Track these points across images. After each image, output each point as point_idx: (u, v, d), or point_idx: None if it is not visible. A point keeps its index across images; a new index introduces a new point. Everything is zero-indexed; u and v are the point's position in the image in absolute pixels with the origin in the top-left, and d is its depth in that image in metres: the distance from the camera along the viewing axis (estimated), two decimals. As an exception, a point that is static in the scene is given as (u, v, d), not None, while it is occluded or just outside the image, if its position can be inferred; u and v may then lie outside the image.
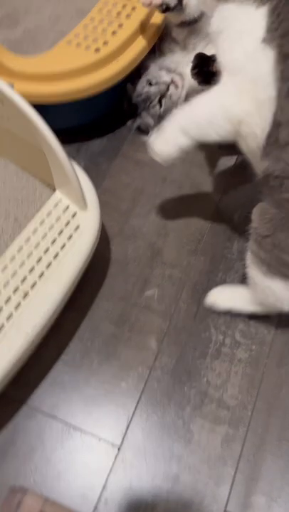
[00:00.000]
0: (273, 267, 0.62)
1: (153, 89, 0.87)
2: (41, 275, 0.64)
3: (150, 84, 0.87)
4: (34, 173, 0.78)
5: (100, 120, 0.95)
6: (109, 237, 0.84)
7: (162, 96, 0.87)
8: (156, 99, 0.87)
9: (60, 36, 0.93)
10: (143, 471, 0.64)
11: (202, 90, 0.84)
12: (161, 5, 0.78)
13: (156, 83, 0.87)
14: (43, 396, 0.68)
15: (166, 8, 0.79)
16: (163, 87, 0.86)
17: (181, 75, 0.89)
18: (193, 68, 0.78)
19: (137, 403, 0.69)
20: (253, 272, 0.66)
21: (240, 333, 0.75)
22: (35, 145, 0.68)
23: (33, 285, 0.63)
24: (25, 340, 0.59)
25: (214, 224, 0.86)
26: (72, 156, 0.93)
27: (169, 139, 0.68)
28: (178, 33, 0.87)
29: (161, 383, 0.70)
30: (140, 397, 0.69)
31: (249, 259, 0.66)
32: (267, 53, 0.56)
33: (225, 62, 0.61)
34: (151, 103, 0.88)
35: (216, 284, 0.79)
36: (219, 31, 0.60)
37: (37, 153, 0.70)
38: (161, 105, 0.87)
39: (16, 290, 0.62)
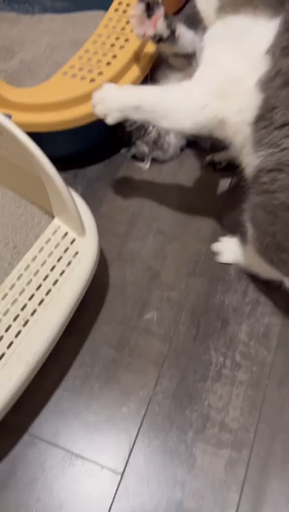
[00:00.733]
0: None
1: None
2: (41, 302, 0.64)
3: None
4: (32, 200, 0.79)
5: (95, 147, 0.97)
6: (108, 261, 0.85)
7: None
8: (151, 127, 0.89)
9: (56, 67, 0.96)
10: (146, 498, 0.63)
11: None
12: (154, 36, 0.81)
13: None
14: (44, 423, 0.68)
15: (159, 39, 0.82)
16: None
17: None
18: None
19: (139, 428, 0.68)
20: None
21: (240, 355, 0.75)
22: (34, 173, 0.70)
23: (33, 312, 0.63)
24: (26, 368, 0.59)
25: (211, 245, 0.87)
26: (69, 182, 0.94)
27: (121, 104, 0.68)
28: (174, 61, 0.90)
29: (162, 407, 0.70)
30: (142, 422, 0.69)
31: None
32: (268, 60, 0.59)
33: (217, 67, 0.63)
34: (146, 131, 0.90)
35: (215, 305, 0.80)
36: (220, 38, 0.63)
37: (35, 180, 0.71)
38: (156, 133, 0.90)
39: (16, 318, 0.62)
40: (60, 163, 0.94)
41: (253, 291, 0.81)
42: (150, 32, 0.79)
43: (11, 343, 0.61)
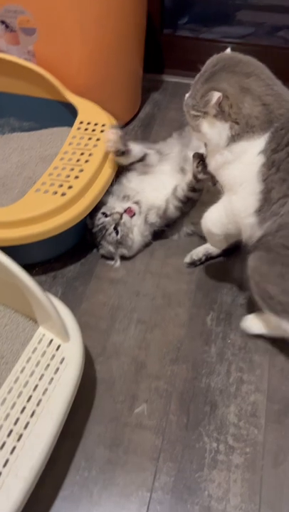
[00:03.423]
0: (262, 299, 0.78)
1: (107, 219, 0.98)
2: (33, 414, 0.66)
3: (106, 215, 0.98)
4: (16, 308, 0.83)
5: (71, 250, 1.03)
6: (93, 358, 0.87)
7: (117, 224, 0.97)
8: (112, 228, 0.97)
9: (28, 181, 1.05)
10: None
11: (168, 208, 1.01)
12: (117, 151, 0.98)
13: (111, 214, 0.98)
14: None
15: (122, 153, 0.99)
16: (116, 216, 0.97)
17: (137, 202, 1.00)
18: (198, 165, 0.92)
19: (143, 532, 0.67)
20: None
21: (232, 438, 0.76)
22: (15, 285, 0.74)
23: (26, 426, 0.64)
24: (24, 486, 0.59)
25: (190, 330, 0.91)
26: (49, 283, 0.99)
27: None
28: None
29: (163, 504, 0.70)
30: (145, 524, 0.68)
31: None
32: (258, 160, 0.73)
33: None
34: (106, 231, 0.98)
35: (202, 390, 0.82)
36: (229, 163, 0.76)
37: (17, 290, 0.76)
38: (117, 232, 0.97)
39: (9, 433, 0.64)
40: (40, 267, 1.00)
41: (236, 370, 0.85)
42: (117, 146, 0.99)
43: (6, 461, 0.61)
